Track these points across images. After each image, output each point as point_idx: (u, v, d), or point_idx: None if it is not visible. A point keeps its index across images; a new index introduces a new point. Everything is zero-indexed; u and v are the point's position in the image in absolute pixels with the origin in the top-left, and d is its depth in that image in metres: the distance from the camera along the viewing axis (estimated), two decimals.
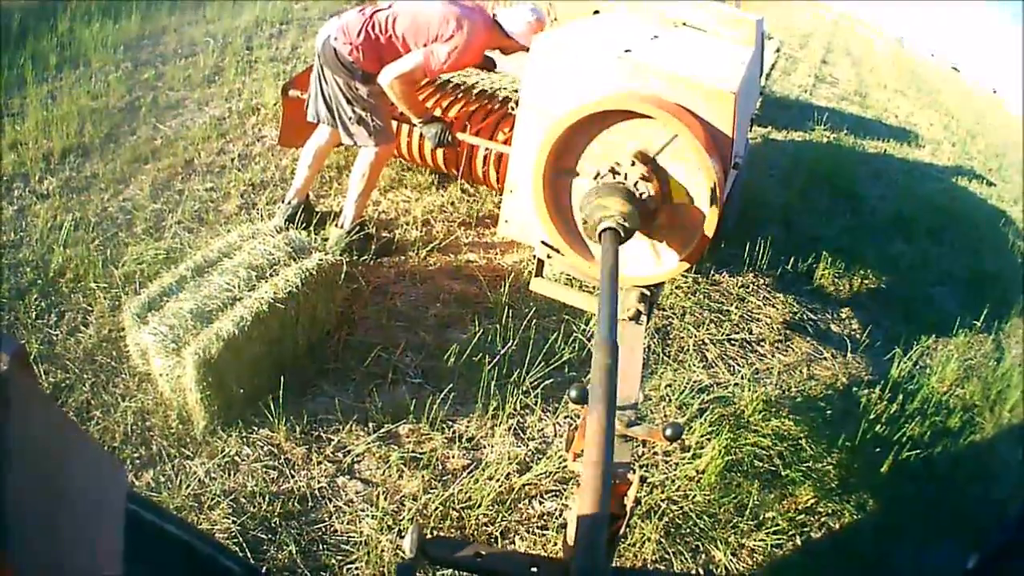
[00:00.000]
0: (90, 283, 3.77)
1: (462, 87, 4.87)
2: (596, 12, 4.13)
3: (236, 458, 3.04)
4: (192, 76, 6.59)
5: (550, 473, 3.18)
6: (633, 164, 2.54)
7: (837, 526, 3.30)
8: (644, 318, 2.74)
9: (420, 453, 3.17)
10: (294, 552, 2.71)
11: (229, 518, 2.79)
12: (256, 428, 3.16)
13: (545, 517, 3.02)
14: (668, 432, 1.93)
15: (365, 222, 4.40)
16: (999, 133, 14.77)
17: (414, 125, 4.29)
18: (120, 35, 7.30)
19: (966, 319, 5.05)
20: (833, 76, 12.90)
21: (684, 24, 3.93)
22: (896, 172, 8.21)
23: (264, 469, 3.01)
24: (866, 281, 5.31)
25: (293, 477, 3.01)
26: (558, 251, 2.89)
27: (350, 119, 4.05)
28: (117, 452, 2.99)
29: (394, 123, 4.54)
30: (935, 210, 7.20)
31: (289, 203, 4.37)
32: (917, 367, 4.42)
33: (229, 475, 2.98)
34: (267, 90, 6.33)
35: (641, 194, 2.50)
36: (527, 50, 3.95)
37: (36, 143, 5.03)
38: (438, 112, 4.54)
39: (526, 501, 3.07)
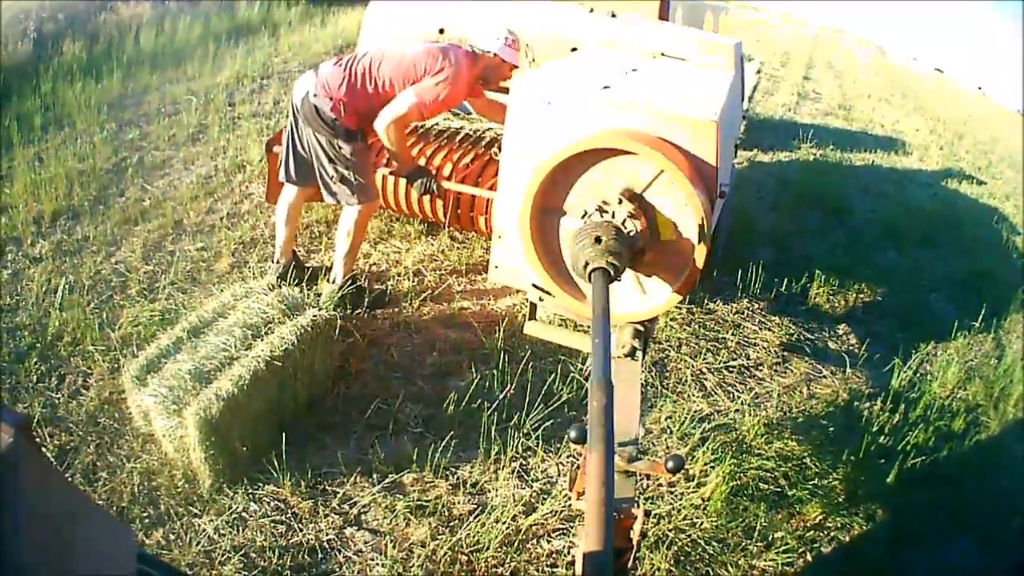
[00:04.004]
0: (88, 346, 3.79)
1: (446, 133, 4.84)
2: (574, 49, 4.17)
3: (244, 514, 3.05)
4: (176, 135, 6.64)
5: (556, 512, 3.18)
6: (620, 202, 2.54)
7: (847, 539, 3.31)
8: (640, 354, 2.73)
9: (425, 501, 3.18)
10: None
11: (240, 573, 2.81)
12: (261, 484, 3.17)
13: (554, 555, 3.02)
14: (670, 464, 1.95)
15: (357, 275, 4.38)
16: (987, 129, 14.83)
17: (401, 176, 4.28)
18: (103, 95, 7.37)
19: (964, 321, 5.07)
20: (816, 92, 12.97)
21: (662, 55, 3.95)
22: (885, 182, 8.26)
23: (272, 524, 3.02)
24: (861, 296, 5.33)
25: (301, 531, 3.02)
26: (549, 293, 2.89)
27: (332, 178, 3.94)
28: (125, 512, 3.01)
29: (381, 176, 4.55)
30: (926, 216, 7.25)
31: (278, 262, 4.33)
32: (918, 375, 4.43)
33: (238, 531, 2.98)
34: (252, 146, 6.36)
35: (629, 231, 2.49)
36: (513, 67, 3.98)
37: (26, 206, 5.07)
38: (422, 161, 4.51)
39: (534, 541, 3.07)
